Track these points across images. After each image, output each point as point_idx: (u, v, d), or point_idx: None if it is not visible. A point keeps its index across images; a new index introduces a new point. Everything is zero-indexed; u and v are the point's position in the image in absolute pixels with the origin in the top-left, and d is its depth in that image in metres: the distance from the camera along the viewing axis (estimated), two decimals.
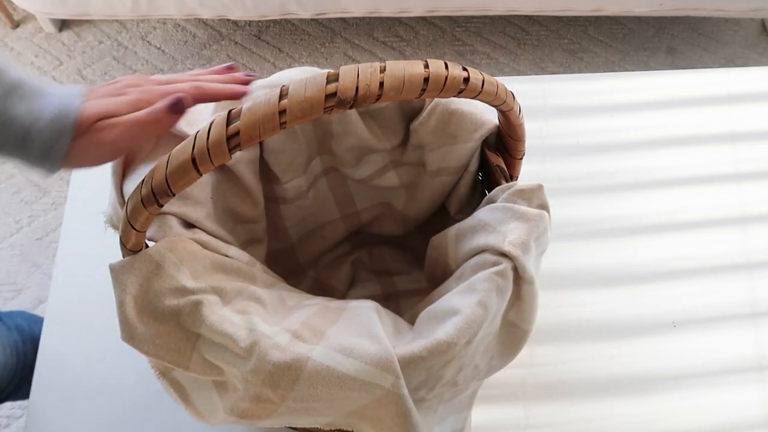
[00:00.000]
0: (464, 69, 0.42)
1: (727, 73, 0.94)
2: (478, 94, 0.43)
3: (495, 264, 0.49)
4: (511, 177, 0.60)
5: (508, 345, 0.55)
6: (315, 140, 0.64)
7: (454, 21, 1.80)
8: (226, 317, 0.46)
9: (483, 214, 0.54)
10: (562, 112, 0.89)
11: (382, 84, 0.38)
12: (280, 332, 0.47)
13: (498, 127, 0.59)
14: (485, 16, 1.81)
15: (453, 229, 0.57)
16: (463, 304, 0.48)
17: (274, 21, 1.78)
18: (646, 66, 1.76)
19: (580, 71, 1.73)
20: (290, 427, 0.66)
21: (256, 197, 0.61)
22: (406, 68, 0.39)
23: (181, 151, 0.39)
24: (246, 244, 0.62)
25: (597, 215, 0.82)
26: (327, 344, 0.46)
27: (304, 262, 0.72)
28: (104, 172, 0.79)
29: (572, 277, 0.77)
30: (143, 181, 0.42)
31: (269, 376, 0.45)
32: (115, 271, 0.46)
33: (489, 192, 0.59)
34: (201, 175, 0.40)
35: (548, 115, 0.89)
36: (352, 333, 0.48)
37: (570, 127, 0.89)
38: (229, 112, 0.39)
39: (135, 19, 1.75)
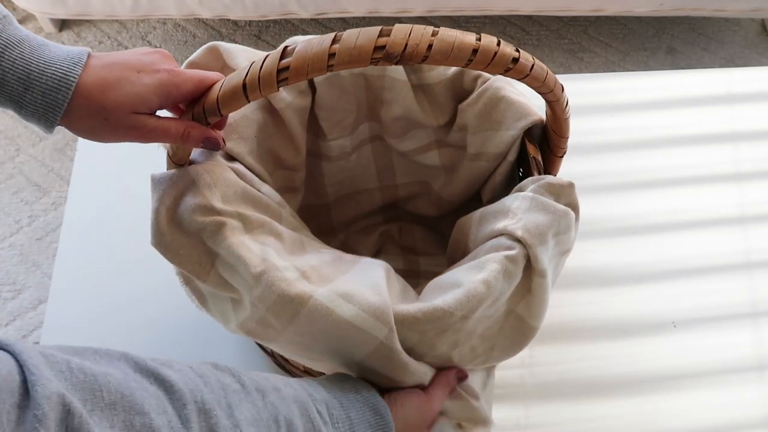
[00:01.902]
0: (516, 50, 0.43)
1: (727, 73, 0.94)
2: (525, 76, 0.44)
3: (509, 249, 0.50)
4: (547, 174, 0.60)
5: (512, 339, 0.55)
6: (366, 104, 0.66)
7: (454, 21, 1.80)
8: (244, 243, 0.49)
9: (509, 200, 0.55)
10: None
11: (430, 46, 0.40)
12: (291, 268, 0.49)
13: (543, 122, 0.60)
14: (485, 16, 1.81)
15: (478, 213, 0.58)
16: (467, 279, 0.49)
17: (274, 21, 1.78)
18: (646, 66, 1.76)
19: (580, 71, 1.73)
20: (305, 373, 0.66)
21: (299, 145, 0.64)
22: (458, 36, 0.41)
23: (234, 77, 0.43)
24: (283, 190, 0.65)
25: (597, 215, 0.82)
26: (331, 288, 0.49)
27: (336, 224, 0.74)
28: (105, 172, 0.79)
29: (573, 277, 0.77)
30: (198, 99, 0.45)
31: (273, 305, 0.47)
32: (155, 181, 0.50)
33: None
34: (249, 101, 0.43)
35: None
36: (357, 283, 0.50)
37: (570, 127, 0.89)
38: (285, 47, 0.42)
39: (135, 19, 1.75)
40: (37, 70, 0.42)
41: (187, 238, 0.49)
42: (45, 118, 0.43)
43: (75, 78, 0.42)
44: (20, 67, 0.42)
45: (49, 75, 0.42)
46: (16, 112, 0.44)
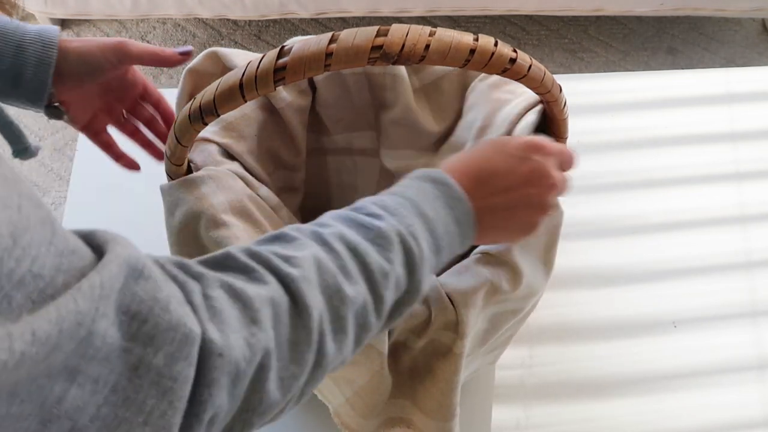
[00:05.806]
0: (514, 50, 0.43)
1: (727, 73, 0.94)
2: (522, 76, 0.44)
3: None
4: None
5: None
6: (367, 104, 0.66)
7: (454, 21, 1.80)
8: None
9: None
10: None
11: (428, 46, 0.40)
12: None
13: (543, 119, 0.59)
14: (485, 16, 1.81)
15: None
16: None
17: (274, 21, 1.78)
18: (647, 66, 1.76)
19: (580, 71, 1.73)
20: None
21: (299, 145, 0.64)
22: (455, 36, 0.41)
23: (231, 77, 0.43)
24: (282, 191, 0.65)
25: (597, 215, 0.81)
26: None
27: None
28: (104, 172, 0.78)
29: (572, 277, 0.77)
30: (194, 99, 0.45)
31: None
32: (164, 191, 0.52)
33: None
34: (245, 101, 0.43)
35: None
36: None
37: (570, 127, 0.89)
38: (282, 47, 0.42)
39: (135, 19, 1.75)
40: (28, 38, 0.55)
41: (198, 251, 0.50)
42: (40, 69, 0.55)
43: (56, 32, 0.55)
44: (11, 38, 0.56)
45: (33, 35, 0.55)
46: (12, 86, 0.56)
